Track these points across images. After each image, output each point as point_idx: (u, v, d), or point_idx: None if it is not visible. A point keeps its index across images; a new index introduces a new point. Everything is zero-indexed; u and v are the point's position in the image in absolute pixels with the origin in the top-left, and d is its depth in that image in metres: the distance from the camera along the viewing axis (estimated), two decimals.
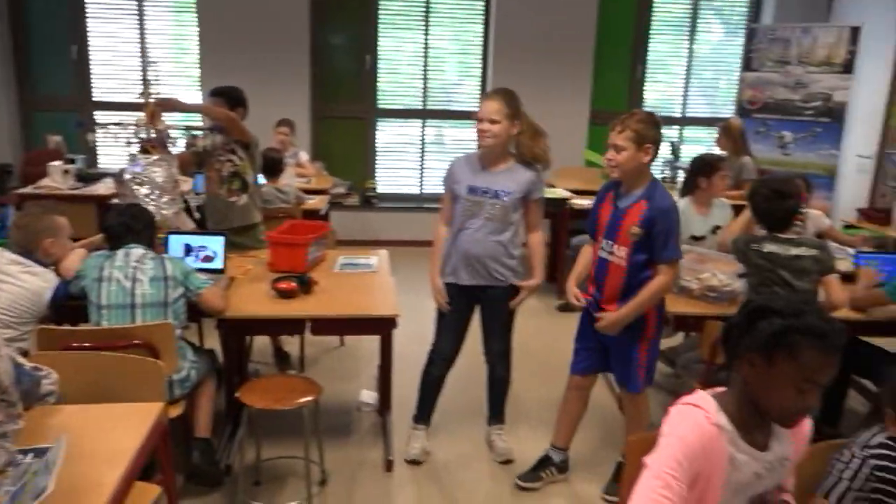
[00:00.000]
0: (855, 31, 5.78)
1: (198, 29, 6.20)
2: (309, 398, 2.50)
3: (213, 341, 3.24)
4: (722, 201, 3.85)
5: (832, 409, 3.20)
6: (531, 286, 2.91)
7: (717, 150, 5.40)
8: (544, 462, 2.96)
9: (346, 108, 6.74)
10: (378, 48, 6.62)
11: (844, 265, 3.47)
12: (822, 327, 1.31)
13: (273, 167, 4.67)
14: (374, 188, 6.79)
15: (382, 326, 2.89)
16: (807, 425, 1.53)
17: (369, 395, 3.50)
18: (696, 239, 3.74)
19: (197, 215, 4.13)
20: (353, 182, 6.85)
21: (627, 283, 2.59)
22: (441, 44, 6.68)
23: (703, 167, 3.71)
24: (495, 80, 6.51)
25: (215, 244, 3.17)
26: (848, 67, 5.84)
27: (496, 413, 3.17)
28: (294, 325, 2.91)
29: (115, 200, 3.44)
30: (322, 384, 2.63)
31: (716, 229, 3.78)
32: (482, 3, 6.57)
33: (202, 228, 3.77)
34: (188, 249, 3.15)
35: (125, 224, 2.68)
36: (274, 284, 2.92)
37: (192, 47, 6.32)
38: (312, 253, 3.30)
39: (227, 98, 3.54)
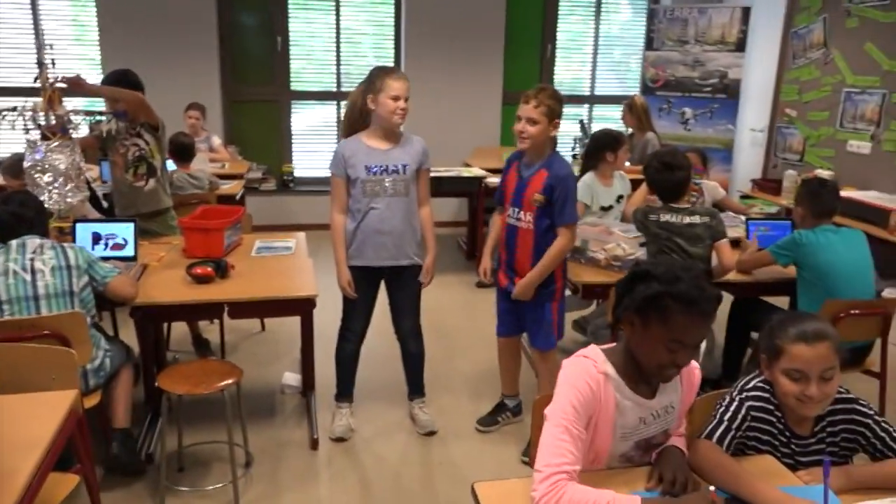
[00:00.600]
0: (746, 12, 6.13)
1: (95, 8, 5.95)
2: (229, 381, 2.51)
3: (128, 330, 3.18)
4: (621, 173, 4.04)
5: (732, 365, 3.46)
6: (430, 264, 3.01)
7: (622, 127, 5.64)
8: (500, 407, 3.25)
9: (259, 91, 6.63)
10: (289, 29, 6.53)
11: (738, 232, 3.73)
12: (692, 294, 1.43)
13: (184, 152, 4.58)
14: (291, 172, 6.72)
15: (301, 307, 2.92)
16: (696, 375, 1.68)
17: (292, 378, 3.52)
18: (605, 209, 3.92)
19: (105, 204, 4.01)
20: (270, 166, 6.77)
21: (536, 246, 2.81)
22: (353, 24, 6.65)
23: (609, 142, 3.88)
24: (408, 63, 6.55)
25: (125, 231, 3.10)
26: (741, 46, 6.18)
27: (416, 387, 3.27)
28: (211, 310, 2.90)
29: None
30: (244, 369, 2.64)
31: (619, 198, 3.98)
32: None
33: (111, 216, 3.67)
34: (97, 238, 3.08)
35: (14, 213, 2.56)
36: (189, 270, 2.89)
37: (90, 28, 6.06)
38: (229, 238, 3.28)
39: (123, 85, 3.41)
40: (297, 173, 6.80)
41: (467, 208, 6.37)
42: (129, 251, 3.08)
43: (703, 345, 2.10)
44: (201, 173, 4.60)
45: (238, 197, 4.87)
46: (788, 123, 5.92)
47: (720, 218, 3.05)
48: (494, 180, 5.34)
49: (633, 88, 7.26)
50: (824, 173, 5.09)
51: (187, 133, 5.04)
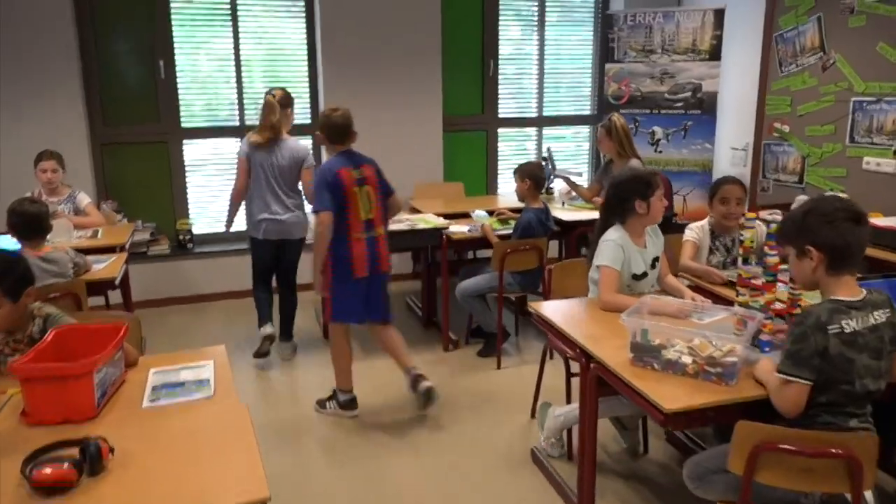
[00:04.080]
0: (719, 15, 5.36)
1: None
2: None
3: None
4: (654, 228, 3.05)
5: None
6: None
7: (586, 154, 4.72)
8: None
9: (140, 130, 5.24)
10: (174, 53, 5.20)
11: None
12: None
13: (31, 227, 3.20)
14: (189, 229, 5.35)
15: None
16: None
17: None
18: (638, 278, 2.90)
19: None
20: (160, 224, 5.38)
21: None
22: (256, 49, 5.40)
23: (638, 187, 2.87)
24: (328, 90, 5.37)
25: None
26: (715, 54, 5.41)
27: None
28: None
29: None
30: None
31: (655, 261, 2.98)
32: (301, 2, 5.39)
33: None
34: None
35: None
36: (30, 472, 1.60)
37: None
38: (103, 381, 1.99)
39: None
40: (196, 230, 5.45)
41: (419, 257, 5.25)
42: None
43: None
44: (60, 254, 3.23)
45: (118, 280, 3.50)
46: (780, 140, 5.17)
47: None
48: (460, 229, 4.25)
49: (584, 107, 6.38)
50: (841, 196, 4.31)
51: (36, 198, 3.64)
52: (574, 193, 4.97)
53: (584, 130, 6.50)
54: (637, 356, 2.26)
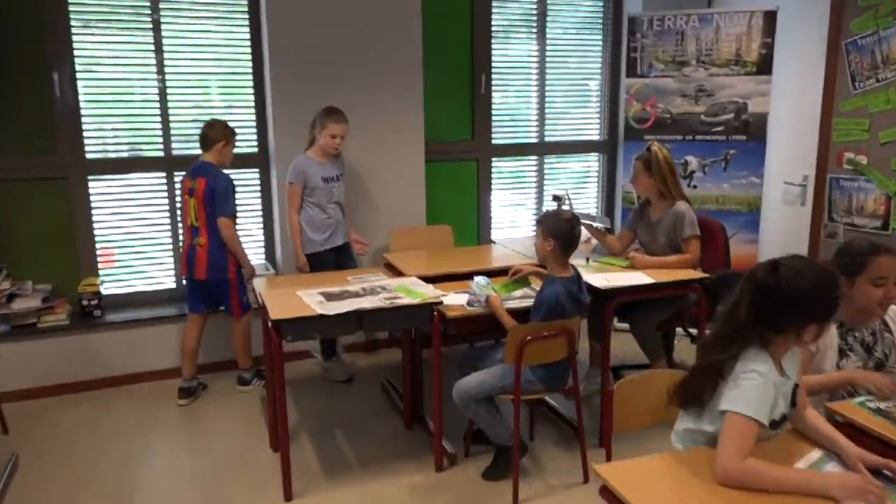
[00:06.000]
0: (771, 18, 4.32)
1: None
2: None
3: None
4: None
5: None
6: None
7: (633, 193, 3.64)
8: None
9: (30, 163, 3.98)
10: (75, 64, 3.98)
11: None
12: None
13: None
14: (96, 291, 4.08)
15: None
16: None
17: None
18: (777, 425, 1.76)
19: None
20: (58, 284, 4.11)
21: None
22: (185, 59, 4.20)
23: (822, 306, 1.71)
24: (278, 111, 4.19)
25: None
26: (765, 66, 4.36)
27: None
28: None
29: None
30: None
31: (794, 393, 1.84)
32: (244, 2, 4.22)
33: None
34: None
35: None
36: None
37: None
38: None
39: None
40: (106, 290, 4.19)
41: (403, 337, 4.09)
42: None
43: None
44: None
45: None
46: (854, 173, 4.11)
47: None
48: (456, 301, 3.09)
49: (593, 131, 5.29)
50: None
51: None
52: (596, 243, 3.86)
53: (591, 161, 5.39)
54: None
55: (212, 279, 3.76)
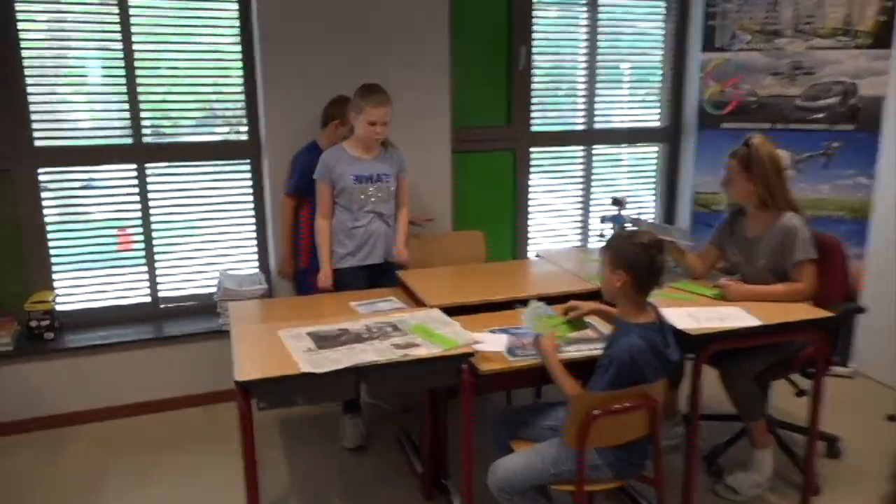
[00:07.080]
0: None
1: None
2: None
3: None
4: None
5: None
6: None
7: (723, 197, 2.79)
8: None
9: None
10: (18, 32, 3.20)
11: None
12: None
13: None
14: (49, 308, 3.34)
15: None
16: None
17: None
18: None
19: None
20: (3, 301, 3.37)
21: None
22: (156, 25, 3.41)
23: None
24: (270, 85, 3.39)
25: None
26: (882, 38, 3.45)
27: None
28: None
29: None
30: None
31: None
32: None
33: None
34: None
35: None
36: None
37: None
38: None
39: None
40: (61, 307, 3.45)
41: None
42: None
43: None
44: None
45: None
46: None
47: None
48: (493, 347, 2.27)
49: (652, 116, 4.42)
50: None
51: None
52: (672, 261, 3.01)
53: (650, 153, 4.52)
54: None
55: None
